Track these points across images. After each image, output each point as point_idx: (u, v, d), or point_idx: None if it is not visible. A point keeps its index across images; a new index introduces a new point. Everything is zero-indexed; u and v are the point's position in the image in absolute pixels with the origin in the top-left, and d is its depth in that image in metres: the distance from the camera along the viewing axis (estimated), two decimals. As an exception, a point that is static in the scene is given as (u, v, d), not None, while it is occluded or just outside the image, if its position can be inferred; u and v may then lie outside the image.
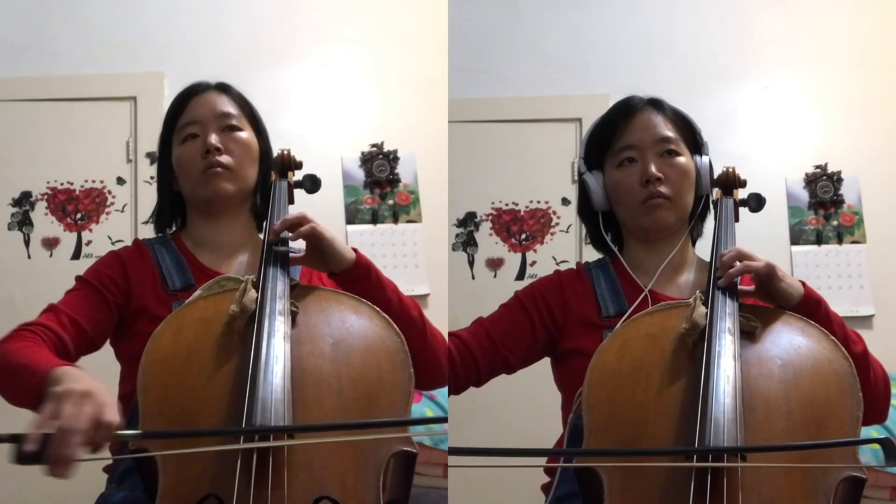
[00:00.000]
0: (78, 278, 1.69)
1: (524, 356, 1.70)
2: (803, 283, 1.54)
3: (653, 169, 1.64)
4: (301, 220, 1.57)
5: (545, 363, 1.75)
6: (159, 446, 1.31)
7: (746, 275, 1.52)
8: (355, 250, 1.62)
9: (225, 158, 1.70)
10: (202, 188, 1.71)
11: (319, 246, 1.57)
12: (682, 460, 1.27)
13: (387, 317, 1.50)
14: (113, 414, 1.23)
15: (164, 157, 1.78)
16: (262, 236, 1.69)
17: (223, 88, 1.78)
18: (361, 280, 1.60)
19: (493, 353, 1.67)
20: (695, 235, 1.77)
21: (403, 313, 1.59)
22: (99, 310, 1.63)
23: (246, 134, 1.75)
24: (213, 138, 1.70)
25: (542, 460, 1.60)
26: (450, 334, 1.67)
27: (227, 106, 1.75)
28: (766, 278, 1.50)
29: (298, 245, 1.63)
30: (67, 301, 1.63)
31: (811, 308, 1.51)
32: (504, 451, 1.13)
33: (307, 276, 1.72)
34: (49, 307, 1.61)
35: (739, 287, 1.52)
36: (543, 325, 1.68)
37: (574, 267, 1.77)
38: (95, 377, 1.31)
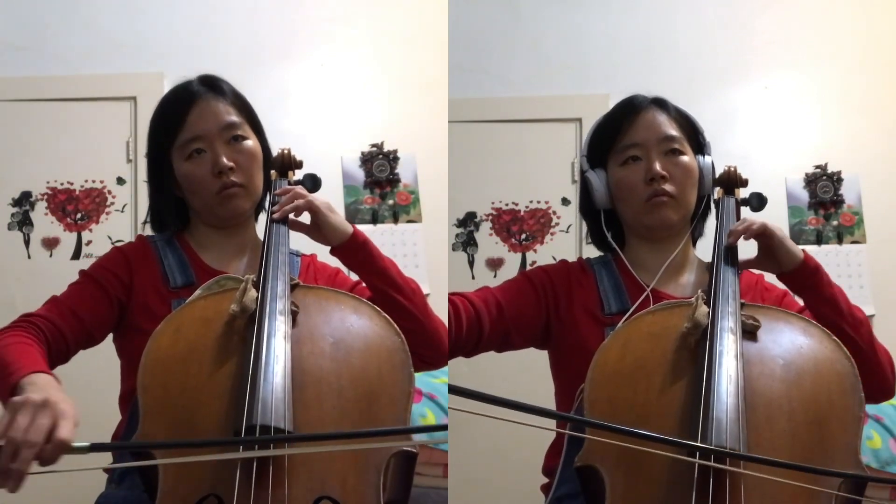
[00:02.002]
0: (81, 272, 1.69)
1: (524, 334, 1.68)
2: (803, 251, 1.58)
3: (657, 167, 1.64)
4: (295, 196, 1.63)
5: (544, 360, 1.75)
6: (161, 452, 1.30)
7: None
8: (355, 227, 1.66)
9: (238, 177, 1.67)
10: (219, 208, 1.69)
11: (315, 219, 1.63)
12: (684, 455, 1.26)
13: (387, 316, 1.50)
14: (68, 429, 1.19)
15: (160, 165, 1.71)
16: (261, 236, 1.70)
17: (216, 89, 1.71)
18: (361, 249, 1.63)
19: (499, 322, 1.64)
20: (696, 235, 1.77)
21: (405, 283, 1.63)
22: (100, 304, 1.63)
23: (251, 142, 1.71)
24: (224, 158, 1.65)
25: (547, 428, 1.55)
26: (456, 294, 1.62)
27: (229, 114, 1.69)
28: (765, 237, 1.54)
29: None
30: (69, 294, 1.64)
31: (810, 271, 1.55)
32: (508, 401, 1.08)
33: (304, 273, 1.72)
34: (51, 299, 1.63)
35: (741, 258, 1.57)
36: (546, 309, 1.67)
37: (576, 262, 1.76)
38: (64, 389, 1.30)
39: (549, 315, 1.67)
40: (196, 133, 1.67)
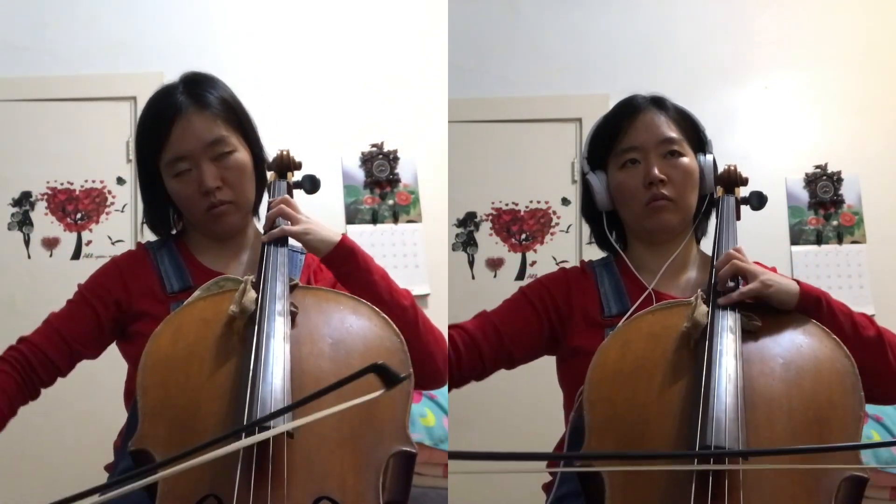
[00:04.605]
0: (78, 286, 1.72)
1: (527, 351, 1.69)
2: (798, 282, 1.52)
3: (656, 171, 1.64)
4: (275, 214, 1.63)
5: (545, 362, 1.75)
6: (162, 455, 1.30)
7: None
8: (344, 236, 1.63)
9: (226, 195, 1.64)
10: (209, 225, 1.68)
11: (298, 240, 1.62)
12: (683, 460, 1.26)
13: (386, 317, 1.49)
14: None
15: (149, 176, 1.68)
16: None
17: (200, 101, 1.63)
18: (345, 262, 1.61)
19: (498, 346, 1.65)
20: (699, 234, 1.76)
21: (393, 300, 1.58)
22: (87, 324, 1.67)
23: (240, 154, 1.66)
24: (210, 178, 1.61)
25: (543, 465, 1.59)
26: (453, 326, 1.66)
27: (214, 129, 1.63)
28: (760, 298, 1.48)
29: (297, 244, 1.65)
30: (61, 313, 1.69)
31: (811, 305, 1.49)
32: (505, 455, 1.10)
33: (307, 274, 1.72)
34: (46, 319, 1.68)
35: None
36: (548, 321, 1.67)
37: (578, 265, 1.76)
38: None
39: (553, 326, 1.67)
40: (180, 153, 1.62)
